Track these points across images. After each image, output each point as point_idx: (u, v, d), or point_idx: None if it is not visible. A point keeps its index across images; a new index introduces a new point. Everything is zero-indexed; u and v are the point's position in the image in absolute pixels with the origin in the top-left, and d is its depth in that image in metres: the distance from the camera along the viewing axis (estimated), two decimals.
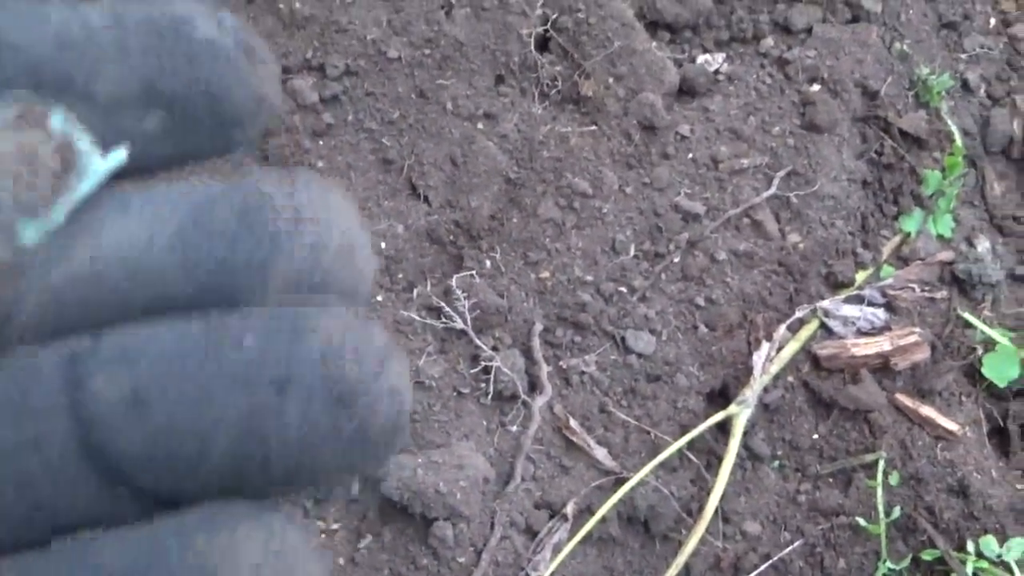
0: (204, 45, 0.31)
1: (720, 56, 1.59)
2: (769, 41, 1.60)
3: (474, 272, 1.38)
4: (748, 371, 1.40)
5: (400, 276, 1.40)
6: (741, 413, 1.38)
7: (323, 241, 0.30)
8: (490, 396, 1.33)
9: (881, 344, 1.43)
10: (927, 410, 1.42)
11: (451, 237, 1.40)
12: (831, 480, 1.41)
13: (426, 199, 1.42)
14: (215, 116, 0.31)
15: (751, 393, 1.38)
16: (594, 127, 1.49)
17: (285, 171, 0.32)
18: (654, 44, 1.54)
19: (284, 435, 0.27)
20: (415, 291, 1.39)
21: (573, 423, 1.36)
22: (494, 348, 1.36)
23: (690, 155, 1.50)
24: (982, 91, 1.64)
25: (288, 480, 0.28)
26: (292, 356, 0.28)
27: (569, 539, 1.31)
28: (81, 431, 0.28)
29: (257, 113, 0.31)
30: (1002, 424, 1.46)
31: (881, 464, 1.39)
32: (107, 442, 0.28)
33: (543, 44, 1.52)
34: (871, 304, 1.47)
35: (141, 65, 0.31)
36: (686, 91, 1.55)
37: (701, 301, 1.43)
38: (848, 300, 1.46)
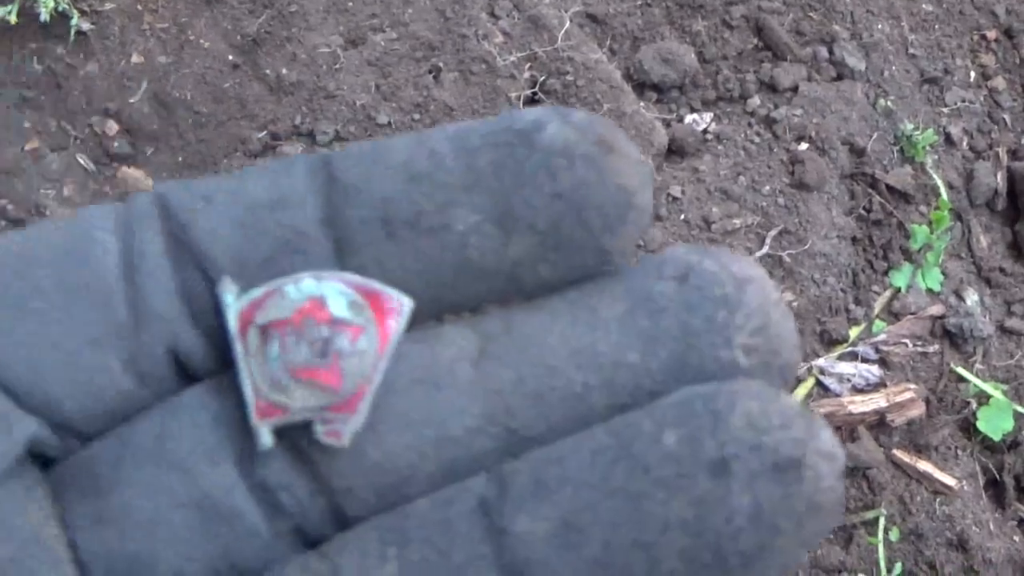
0: (557, 150, 0.30)
1: (708, 116, 1.63)
2: (756, 100, 1.65)
3: None
4: None
5: None
6: None
7: (764, 307, 0.30)
8: None
9: (877, 401, 1.47)
10: (924, 465, 1.47)
11: None
12: (832, 537, 1.45)
13: None
14: (582, 227, 0.30)
15: None
16: None
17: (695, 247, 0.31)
18: (642, 105, 1.58)
19: (733, 521, 0.27)
20: None
21: None
22: None
23: (682, 216, 1.54)
24: (965, 144, 1.71)
25: (745, 570, 0.27)
26: (719, 437, 0.27)
27: None
28: None
29: (627, 215, 0.30)
30: (997, 477, 1.51)
31: (882, 521, 1.43)
32: None
33: (532, 106, 1.54)
34: (865, 360, 1.52)
35: (495, 186, 0.30)
36: (675, 151, 1.59)
37: None
38: (842, 357, 1.51)
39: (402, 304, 0.31)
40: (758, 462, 0.27)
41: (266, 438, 0.31)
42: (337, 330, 0.31)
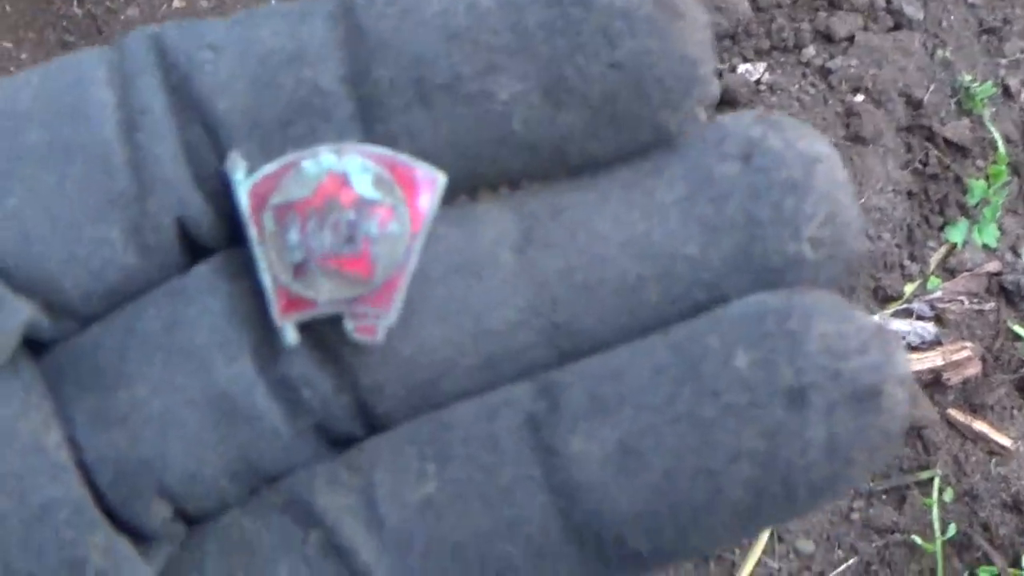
0: (617, 11, 0.28)
1: (761, 66, 1.61)
2: (811, 50, 1.62)
3: None
4: None
5: None
6: None
7: (833, 192, 0.28)
8: None
9: (933, 359, 1.46)
10: (980, 425, 1.45)
11: None
12: (885, 497, 1.43)
13: None
14: (639, 99, 0.28)
15: None
16: None
17: (759, 114, 0.30)
18: None
19: (807, 454, 0.26)
20: None
21: None
22: None
23: None
24: (1023, 97, 1.68)
25: (812, 499, 0.26)
26: (796, 363, 0.26)
27: None
28: (562, 503, 0.27)
29: (690, 87, 0.28)
30: None
31: (936, 481, 1.41)
32: (596, 509, 0.27)
33: None
34: (920, 318, 1.50)
35: (545, 51, 0.28)
36: (727, 102, 1.57)
37: None
38: (897, 314, 1.49)
39: (435, 179, 0.29)
40: (836, 391, 0.26)
41: (291, 335, 0.29)
42: (364, 212, 0.29)
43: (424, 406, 0.30)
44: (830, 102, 1.58)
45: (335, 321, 0.30)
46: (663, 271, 0.28)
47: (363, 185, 0.29)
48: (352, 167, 0.29)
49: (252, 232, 0.29)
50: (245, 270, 0.30)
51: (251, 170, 0.29)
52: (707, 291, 0.28)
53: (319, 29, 0.29)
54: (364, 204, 0.29)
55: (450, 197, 0.30)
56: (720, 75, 1.59)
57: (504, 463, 0.27)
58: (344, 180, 0.29)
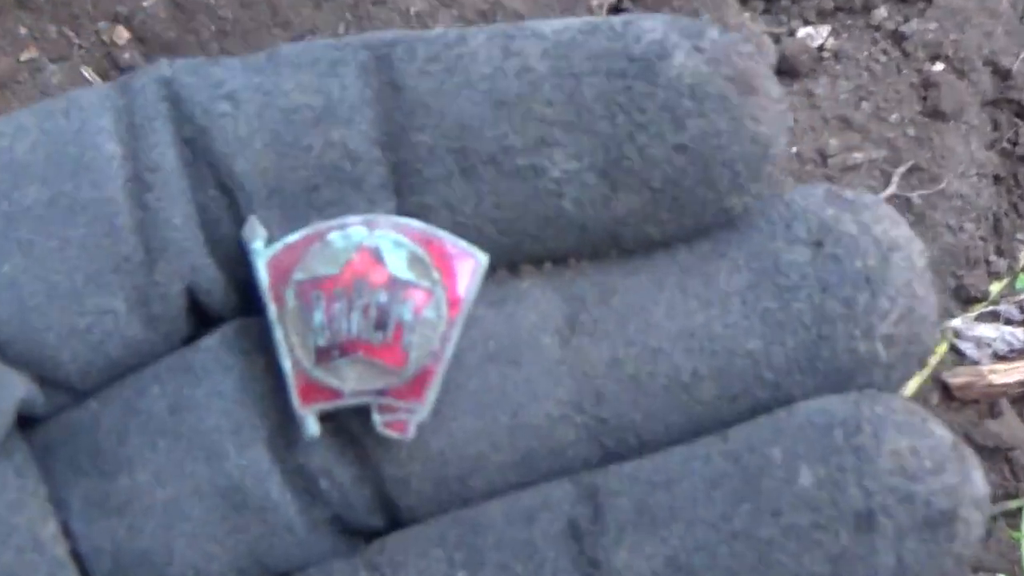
0: (685, 87, 0.27)
1: (824, 29, 1.51)
2: (882, 11, 1.52)
3: None
4: None
5: None
6: None
7: (911, 285, 0.28)
8: None
9: (1022, 370, 1.37)
10: None
11: None
12: None
13: None
14: (705, 183, 0.27)
15: None
16: None
17: (830, 188, 0.29)
18: (747, 16, 1.48)
19: None
20: None
21: None
22: None
23: (794, 149, 1.42)
24: None
25: None
26: (865, 484, 0.26)
27: None
28: None
29: (760, 170, 0.28)
30: None
31: None
32: None
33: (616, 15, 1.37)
34: (1008, 322, 1.40)
35: (605, 128, 0.27)
36: (786, 71, 1.46)
37: None
38: (981, 317, 1.40)
39: (476, 260, 0.28)
40: (907, 517, 0.26)
41: (312, 427, 0.28)
42: (397, 294, 0.28)
43: (452, 502, 0.29)
44: (904, 71, 1.48)
45: (359, 408, 0.29)
46: (721, 368, 0.28)
47: (396, 264, 0.28)
48: (385, 243, 0.28)
49: (271, 309, 0.29)
50: (259, 345, 0.29)
51: (271, 239, 0.29)
52: (768, 391, 0.28)
53: (351, 83, 0.28)
54: (397, 286, 0.28)
55: (489, 271, 0.29)
56: (778, 40, 1.50)
57: (541, 574, 0.27)
58: (376, 257, 0.28)
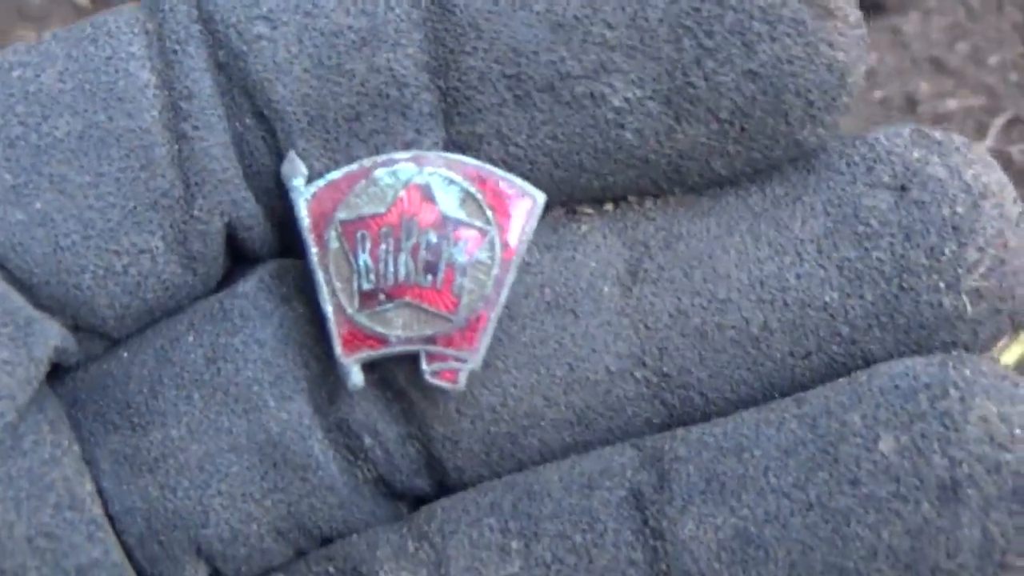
0: (757, 9, 0.26)
1: None
2: None
3: None
4: None
5: None
6: None
7: (1002, 234, 0.27)
8: None
9: None
10: None
11: None
12: None
13: None
14: (776, 112, 0.27)
15: None
16: None
17: (914, 127, 0.29)
18: None
19: (957, 556, 0.25)
20: None
21: None
22: None
23: (879, 93, 1.38)
24: None
25: None
26: (950, 453, 0.25)
27: None
28: None
29: (836, 99, 0.27)
30: None
31: None
32: None
33: None
34: None
35: (670, 53, 0.26)
36: (871, 5, 1.43)
37: None
38: None
39: (533, 199, 0.28)
40: (995, 486, 0.25)
41: (356, 377, 0.28)
42: (448, 235, 0.27)
43: (504, 464, 0.29)
44: (1006, 9, 1.43)
45: (405, 357, 0.28)
46: (793, 321, 0.28)
47: (448, 203, 0.27)
48: (436, 180, 0.27)
49: (312, 251, 0.28)
50: (299, 289, 0.29)
51: (313, 174, 0.28)
52: (845, 347, 0.28)
53: (398, 3, 0.28)
54: (449, 226, 0.28)
55: (544, 211, 0.28)
56: None
57: (602, 545, 0.27)
58: (426, 195, 0.27)
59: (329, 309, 0.28)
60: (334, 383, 0.28)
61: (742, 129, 0.27)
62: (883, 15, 1.43)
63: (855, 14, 0.27)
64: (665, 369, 0.27)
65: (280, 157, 0.28)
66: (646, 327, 0.27)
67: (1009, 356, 1.33)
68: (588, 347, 0.27)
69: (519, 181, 0.27)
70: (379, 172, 0.27)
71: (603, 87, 0.26)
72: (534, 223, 0.28)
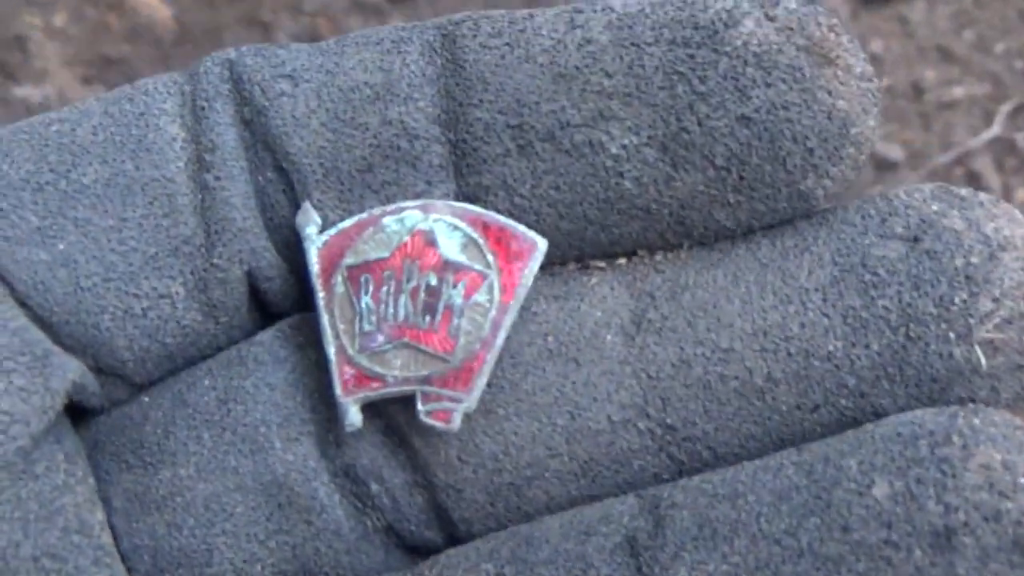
0: (752, 56, 0.26)
1: None
2: None
3: None
4: None
5: None
6: None
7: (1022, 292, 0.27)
8: None
9: None
10: None
11: None
12: None
13: None
14: (773, 160, 0.27)
15: None
16: None
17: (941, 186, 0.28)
18: None
19: None
20: None
21: None
22: None
23: (885, 81, 1.36)
24: None
25: None
26: (946, 499, 0.25)
27: None
28: None
29: (840, 149, 0.27)
30: None
31: None
32: None
33: None
34: None
35: (664, 99, 0.27)
36: None
37: None
38: None
39: (535, 245, 0.28)
40: (993, 536, 0.24)
41: (354, 416, 0.28)
42: (448, 278, 0.28)
43: (510, 516, 0.29)
44: None
45: (408, 403, 0.29)
46: (798, 372, 0.28)
47: (450, 248, 0.28)
48: (440, 226, 0.28)
49: (319, 295, 0.29)
50: (314, 339, 0.29)
51: (326, 224, 0.29)
52: (852, 400, 0.27)
53: (414, 60, 0.29)
54: (449, 269, 0.28)
55: (557, 266, 0.29)
56: None
57: None
58: (429, 240, 0.28)
59: (332, 351, 0.28)
60: (342, 430, 0.28)
61: (740, 177, 0.27)
62: (889, 3, 1.42)
63: (863, 67, 0.26)
64: (669, 421, 0.27)
65: (298, 208, 0.29)
66: (648, 376, 0.27)
67: None
68: (590, 396, 0.27)
69: (522, 228, 0.28)
70: (387, 220, 0.28)
71: (601, 135, 0.27)
72: (535, 268, 0.28)
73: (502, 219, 0.28)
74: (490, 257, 0.28)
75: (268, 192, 0.29)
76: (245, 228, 0.28)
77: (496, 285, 0.28)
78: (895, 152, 1.33)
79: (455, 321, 0.27)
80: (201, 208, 0.28)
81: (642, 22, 0.27)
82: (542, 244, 0.28)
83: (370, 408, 0.29)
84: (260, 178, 0.28)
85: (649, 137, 0.27)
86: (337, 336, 0.28)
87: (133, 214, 0.28)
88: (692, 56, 0.26)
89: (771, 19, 0.26)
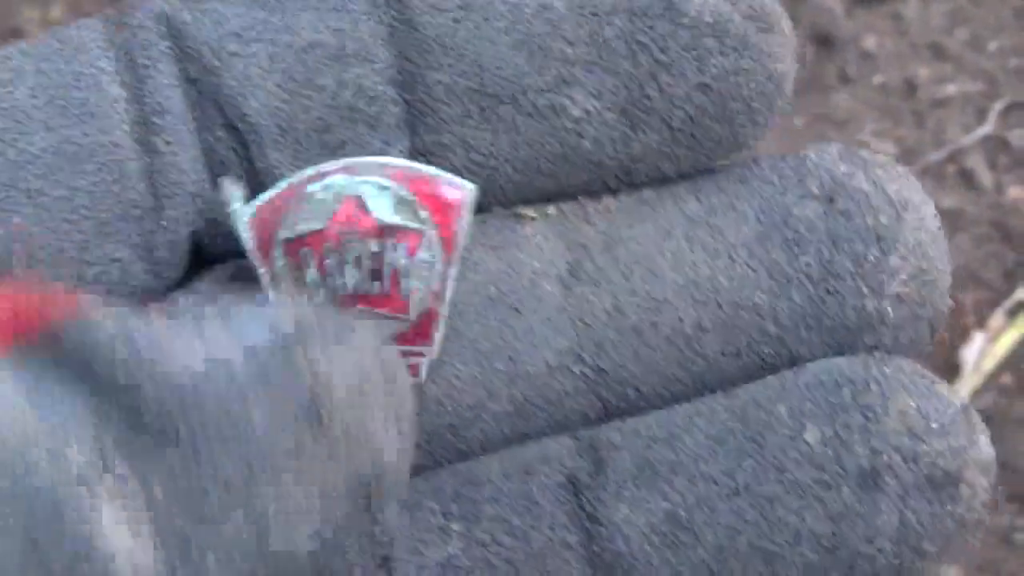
0: (706, 26, 0.28)
1: None
2: None
3: None
4: (954, 370, 1.27)
5: None
6: None
7: (924, 244, 0.29)
8: None
9: None
10: None
11: None
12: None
13: None
14: (722, 119, 0.29)
15: None
16: None
17: (848, 147, 0.31)
18: None
19: (876, 541, 0.27)
20: None
21: None
22: None
23: (878, 78, 1.38)
24: None
25: None
26: (871, 443, 0.27)
27: None
28: None
29: (774, 103, 0.29)
30: None
31: None
32: None
33: None
34: None
35: (626, 67, 0.28)
36: None
37: None
38: None
39: (464, 193, 0.29)
40: (912, 475, 0.27)
41: None
42: (388, 242, 0.29)
43: (446, 455, 0.30)
44: None
45: None
46: (725, 321, 0.29)
47: (382, 209, 0.29)
48: (367, 188, 0.29)
49: (261, 271, 0.29)
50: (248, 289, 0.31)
51: (273, 181, 0.30)
52: (773, 347, 0.30)
53: (363, 21, 0.29)
54: (386, 232, 0.29)
55: (492, 213, 0.30)
56: None
57: (539, 527, 0.28)
58: (360, 205, 0.29)
59: None
60: None
61: (692, 135, 0.28)
62: (883, 0, 1.42)
63: (789, 25, 0.29)
64: (601, 365, 0.29)
65: (252, 166, 0.29)
66: (585, 324, 0.29)
67: (1006, 340, 1.34)
68: (529, 342, 0.29)
69: (447, 176, 0.28)
70: (312, 187, 0.28)
71: (563, 99, 0.28)
72: (469, 215, 0.28)
73: (425, 170, 0.28)
74: (423, 213, 0.28)
75: (217, 151, 0.29)
76: (194, 191, 0.29)
77: (436, 240, 0.28)
78: (888, 149, 1.33)
79: (404, 282, 0.28)
80: (150, 172, 0.28)
81: None
82: (471, 191, 0.28)
83: None
84: (209, 137, 0.29)
85: (611, 103, 0.28)
86: None
87: (83, 182, 0.28)
88: (652, 27, 0.27)
89: None
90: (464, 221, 0.29)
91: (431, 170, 0.29)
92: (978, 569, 1.27)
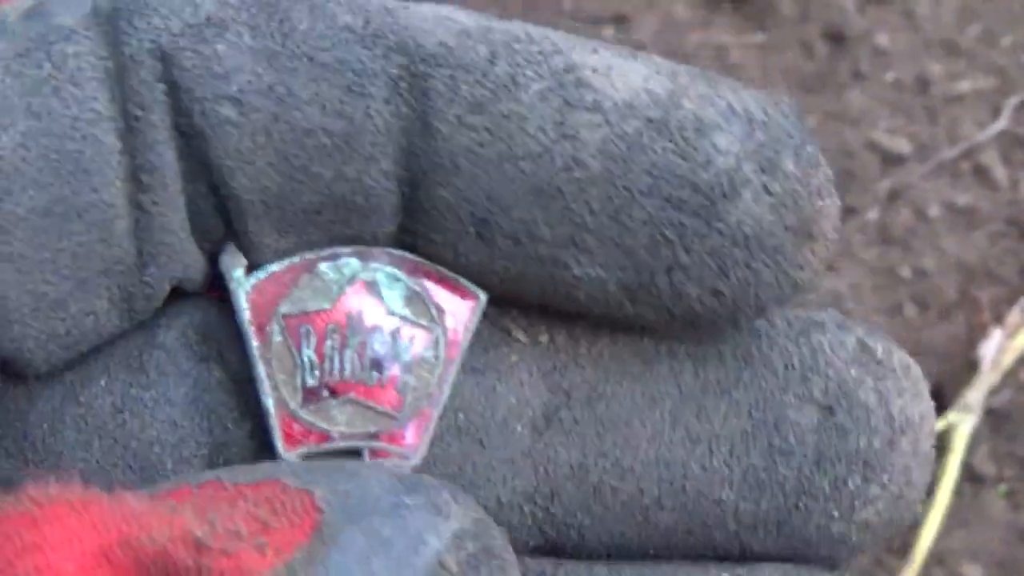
0: (741, 237, 0.27)
1: None
2: None
3: None
4: (971, 366, 1.27)
5: None
6: (962, 422, 1.25)
7: (909, 470, 0.29)
8: None
9: None
10: None
11: None
12: None
13: None
14: (730, 314, 0.28)
15: (975, 396, 1.26)
16: (761, 36, 1.39)
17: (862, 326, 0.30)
18: None
19: None
20: None
21: None
22: None
23: (891, 75, 1.38)
24: None
25: None
26: None
27: None
28: None
29: (788, 297, 0.28)
30: None
31: None
32: None
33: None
34: None
35: (644, 255, 0.27)
36: None
37: (907, 272, 1.31)
38: None
39: (476, 299, 0.29)
40: None
41: None
42: (395, 334, 0.28)
43: None
44: None
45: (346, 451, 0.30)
46: (686, 504, 0.29)
47: (394, 301, 0.29)
48: (381, 277, 0.28)
49: (253, 344, 0.29)
50: (221, 352, 0.30)
51: (264, 257, 0.29)
52: (727, 537, 0.30)
53: (378, 110, 0.27)
54: (395, 324, 0.28)
55: (479, 329, 0.30)
56: None
57: None
58: (372, 292, 0.29)
59: (270, 403, 0.28)
60: (235, 455, 0.29)
61: (692, 324, 0.28)
62: None
63: (835, 230, 0.27)
64: (553, 510, 0.29)
65: (233, 231, 0.28)
66: (545, 473, 0.28)
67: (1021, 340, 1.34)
68: (486, 476, 0.28)
69: (462, 280, 0.28)
70: (323, 266, 0.28)
71: (568, 258, 0.27)
72: (476, 322, 0.28)
73: (442, 270, 0.28)
74: (434, 311, 0.28)
75: (203, 209, 0.28)
76: (179, 249, 0.28)
77: (442, 341, 0.28)
78: (902, 146, 1.33)
79: (402, 378, 0.28)
80: (136, 229, 0.27)
81: (639, 157, 0.26)
82: (483, 297, 0.28)
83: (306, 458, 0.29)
84: (193, 192, 0.28)
85: (617, 279, 0.27)
86: (276, 388, 0.28)
87: (68, 243, 0.27)
88: (683, 224, 0.26)
89: (769, 192, 0.26)
90: (472, 327, 0.28)
91: (446, 271, 0.28)
92: (998, 565, 1.27)
